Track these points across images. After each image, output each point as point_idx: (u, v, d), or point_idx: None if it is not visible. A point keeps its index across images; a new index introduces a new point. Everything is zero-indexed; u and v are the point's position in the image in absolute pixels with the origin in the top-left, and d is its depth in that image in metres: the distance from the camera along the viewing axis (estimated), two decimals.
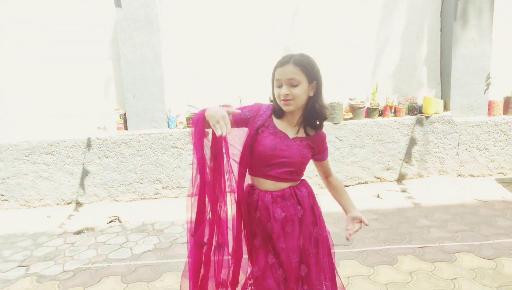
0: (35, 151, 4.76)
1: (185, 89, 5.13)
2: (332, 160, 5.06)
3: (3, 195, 4.86)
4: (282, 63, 1.87)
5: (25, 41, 4.84)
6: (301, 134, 1.98)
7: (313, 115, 1.95)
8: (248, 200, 2.03)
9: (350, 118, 5.09)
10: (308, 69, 1.86)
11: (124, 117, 4.93)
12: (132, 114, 4.85)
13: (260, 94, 5.19)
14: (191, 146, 1.92)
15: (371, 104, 5.21)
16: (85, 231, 4.32)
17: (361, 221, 2.09)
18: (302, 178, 2.09)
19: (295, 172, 1.97)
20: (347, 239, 2.05)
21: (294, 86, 1.84)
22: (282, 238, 1.96)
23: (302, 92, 1.86)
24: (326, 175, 2.17)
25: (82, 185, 4.86)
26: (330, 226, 4.14)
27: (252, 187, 2.05)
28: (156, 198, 4.99)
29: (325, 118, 1.98)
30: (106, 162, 4.82)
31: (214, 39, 5.09)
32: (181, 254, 3.70)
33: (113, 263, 3.64)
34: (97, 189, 4.86)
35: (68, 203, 4.93)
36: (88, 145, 4.78)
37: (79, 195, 4.89)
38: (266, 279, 1.96)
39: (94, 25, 4.89)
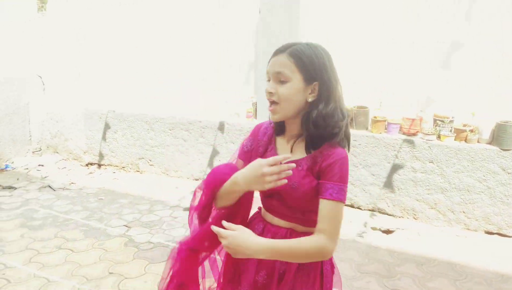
0: (177, 127, 5.15)
1: None
2: (491, 197, 3.78)
3: (150, 160, 5.47)
4: (277, 51, 1.38)
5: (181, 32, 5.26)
6: (300, 154, 1.42)
7: (313, 128, 1.36)
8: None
9: None
10: (306, 64, 1.34)
11: (256, 106, 4.82)
12: (261, 103, 4.69)
13: (405, 99, 4.30)
14: None
15: None
16: None
17: None
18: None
19: (297, 210, 1.42)
20: None
21: (282, 83, 1.35)
22: (252, 288, 1.47)
23: (290, 93, 1.34)
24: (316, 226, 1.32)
25: (210, 164, 5.03)
26: (449, 286, 3.07)
27: (258, 210, 1.62)
28: None
29: (333, 129, 1.36)
30: (232, 147, 4.83)
31: (353, 31, 4.42)
32: None
33: None
34: None
35: (196, 179, 5.19)
36: (219, 128, 4.89)
37: (205, 174, 5.07)
38: None
39: (244, 13, 4.91)
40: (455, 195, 3.90)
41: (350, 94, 4.48)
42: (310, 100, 1.36)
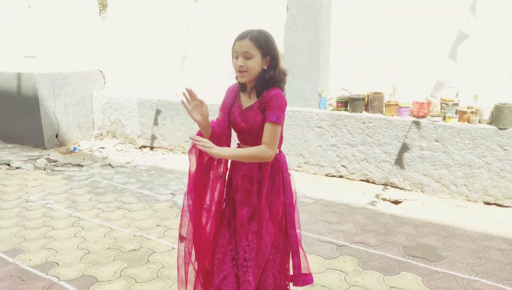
0: (216, 112, 5.88)
1: (340, 73, 5.21)
2: (489, 171, 4.20)
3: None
4: (240, 37, 2.07)
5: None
6: (253, 101, 2.14)
7: (263, 83, 2.08)
8: None
9: None
10: (263, 45, 2.05)
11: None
12: (289, 91, 5.30)
13: (416, 85, 4.78)
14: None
15: None
16: None
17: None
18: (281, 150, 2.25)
19: (255, 137, 2.12)
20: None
21: (248, 58, 2.03)
22: (240, 193, 2.21)
23: (255, 65, 2.04)
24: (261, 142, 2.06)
25: None
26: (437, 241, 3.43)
27: (238, 146, 2.34)
28: (297, 171, 5.37)
29: (276, 82, 2.08)
30: None
31: (372, 24, 4.94)
32: None
33: None
34: None
35: None
36: None
37: None
38: (223, 230, 2.27)
39: (272, 10, 5.56)
40: (458, 170, 4.35)
41: (366, 82, 5.02)
42: (264, 68, 2.06)
